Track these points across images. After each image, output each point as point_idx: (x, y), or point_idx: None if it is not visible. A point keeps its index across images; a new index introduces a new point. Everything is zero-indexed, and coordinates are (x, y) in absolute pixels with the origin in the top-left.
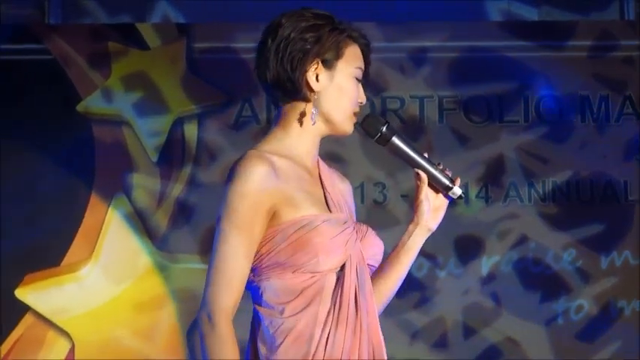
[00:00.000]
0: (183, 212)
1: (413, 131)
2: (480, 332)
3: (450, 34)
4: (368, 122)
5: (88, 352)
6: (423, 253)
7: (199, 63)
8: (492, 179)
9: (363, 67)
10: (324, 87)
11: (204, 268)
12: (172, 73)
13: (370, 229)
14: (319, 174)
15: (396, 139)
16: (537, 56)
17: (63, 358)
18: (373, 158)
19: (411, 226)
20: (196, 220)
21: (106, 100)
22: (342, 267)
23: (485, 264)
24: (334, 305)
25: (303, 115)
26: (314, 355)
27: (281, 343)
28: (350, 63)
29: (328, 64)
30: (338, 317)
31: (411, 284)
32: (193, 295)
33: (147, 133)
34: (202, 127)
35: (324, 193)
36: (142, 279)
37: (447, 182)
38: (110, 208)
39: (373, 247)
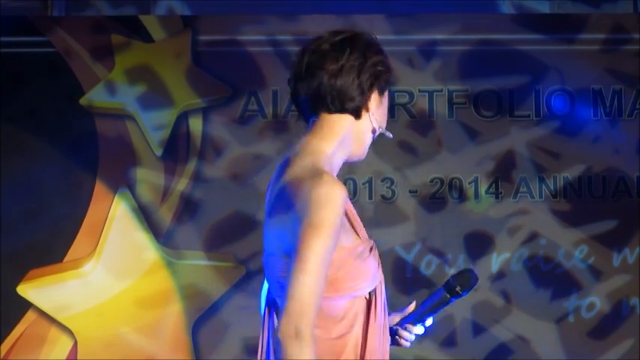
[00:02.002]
0: (187, 208)
1: (422, 126)
2: (490, 330)
3: (460, 27)
4: (464, 277)
5: (90, 350)
6: (432, 249)
7: (204, 56)
8: (503, 175)
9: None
10: (373, 110)
11: (209, 264)
12: (177, 66)
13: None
14: None
15: (452, 299)
16: (549, 50)
17: (65, 355)
18: (381, 154)
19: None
20: (201, 216)
21: (109, 93)
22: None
23: (495, 261)
24: (370, 325)
25: (343, 129)
26: None
27: None
28: (387, 95)
29: (383, 91)
30: (374, 336)
31: (419, 281)
32: (198, 292)
33: (151, 127)
34: (207, 121)
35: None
36: (145, 275)
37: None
38: (114, 204)
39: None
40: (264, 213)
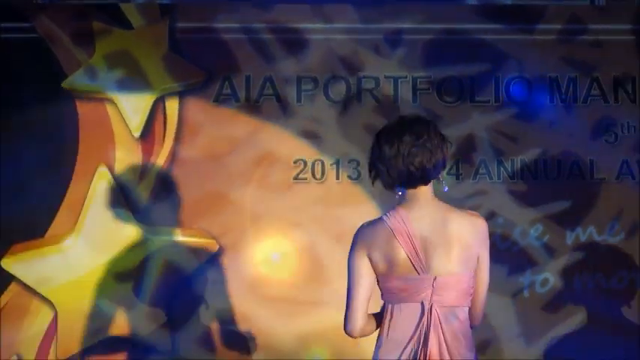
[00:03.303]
0: (164, 186)
1: (387, 110)
2: None
3: (424, 16)
4: None
5: (70, 321)
6: None
7: (181, 42)
8: (463, 157)
9: None
10: None
11: (184, 240)
12: (155, 52)
13: None
14: None
15: None
16: (508, 39)
17: (46, 326)
18: (348, 136)
19: None
20: (177, 194)
21: (90, 77)
22: None
23: None
24: None
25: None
26: None
27: None
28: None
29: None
30: None
31: None
32: (173, 266)
33: (130, 110)
34: (183, 105)
35: None
36: (123, 250)
37: None
38: (93, 182)
39: None
40: None
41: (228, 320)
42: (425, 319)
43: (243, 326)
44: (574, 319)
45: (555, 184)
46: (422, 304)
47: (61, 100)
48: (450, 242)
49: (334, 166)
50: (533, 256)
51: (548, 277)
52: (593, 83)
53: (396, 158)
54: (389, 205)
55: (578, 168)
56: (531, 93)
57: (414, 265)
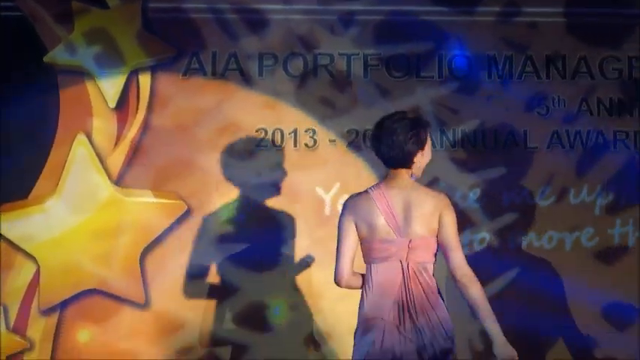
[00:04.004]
0: (137, 152)
1: (341, 84)
2: None
3: None
4: None
5: (52, 275)
6: (348, 191)
7: (153, 21)
8: None
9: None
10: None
11: (156, 201)
12: (129, 30)
13: None
14: None
15: None
16: (451, 20)
17: (29, 279)
18: (305, 107)
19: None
20: (149, 160)
21: (69, 52)
22: None
23: None
24: None
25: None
26: None
27: None
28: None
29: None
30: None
31: (335, 218)
32: (145, 225)
33: (106, 83)
34: (155, 78)
35: None
36: (100, 211)
37: None
38: (72, 148)
39: None
40: None
41: (197, 274)
42: (405, 273)
43: (210, 279)
44: (509, 275)
45: (492, 153)
46: (400, 262)
47: (43, 74)
48: (419, 212)
49: (292, 134)
50: (471, 217)
51: (485, 236)
52: (527, 61)
53: (380, 145)
54: (343, 170)
55: (513, 138)
56: (471, 69)
57: (392, 229)
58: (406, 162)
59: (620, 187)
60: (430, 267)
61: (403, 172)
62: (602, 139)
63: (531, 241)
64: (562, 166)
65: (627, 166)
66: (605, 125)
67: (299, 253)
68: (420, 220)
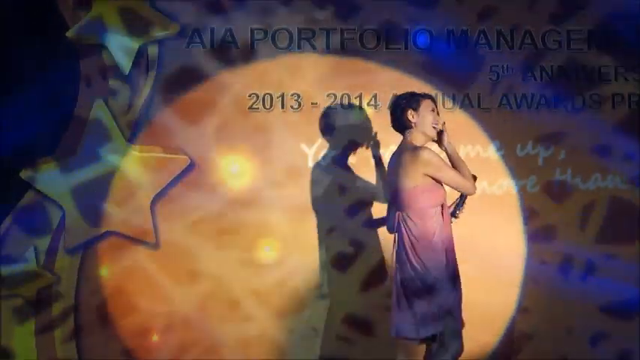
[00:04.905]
0: (147, 114)
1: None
2: None
3: None
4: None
5: (75, 219)
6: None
7: (162, 1)
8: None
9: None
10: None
11: (163, 156)
12: (139, 9)
13: None
14: None
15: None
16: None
17: (57, 221)
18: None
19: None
20: (156, 120)
21: (89, 29)
22: None
23: None
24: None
25: None
26: None
27: None
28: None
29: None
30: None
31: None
32: (155, 175)
33: (120, 54)
34: (162, 50)
35: None
36: (116, 164)
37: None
38: (92, 111)
39: None
40: None
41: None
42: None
43: (210, 219)
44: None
45: (453, 113)
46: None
47: (65, 47)
48: (401, 167)
49: (279, 99)
50: None
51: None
52: (481, 35)
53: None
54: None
55: (469, 100)
56: (432, 42)
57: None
58: (397, 127)
59: (560, 141)
60: (413, 215)
61: (403, 135)
62: (544, 101)
63: (484, 188)
64: (509, 124)
65: (564, 123)
66: (547, 90)
67: (285, 196)
68: (403, 174)
